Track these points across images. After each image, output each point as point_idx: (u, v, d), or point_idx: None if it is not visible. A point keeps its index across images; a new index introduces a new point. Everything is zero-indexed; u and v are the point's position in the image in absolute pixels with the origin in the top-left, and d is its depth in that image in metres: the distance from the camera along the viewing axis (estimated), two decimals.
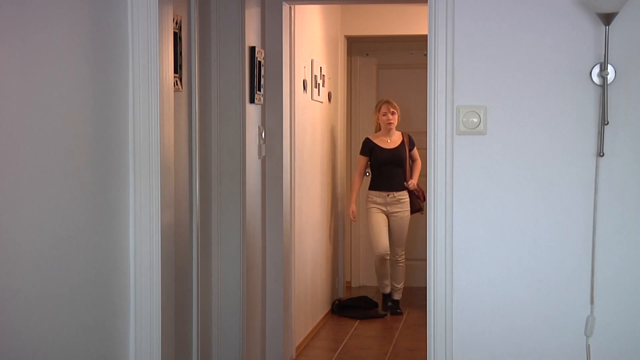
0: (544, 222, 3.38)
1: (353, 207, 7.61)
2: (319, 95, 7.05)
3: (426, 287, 3.48)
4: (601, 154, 3.30)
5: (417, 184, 7.57)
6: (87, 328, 3.26)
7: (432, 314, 3.45)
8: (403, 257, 7.70)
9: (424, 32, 3.70)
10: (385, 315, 7.52)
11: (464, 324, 3.43)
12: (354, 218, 7.68)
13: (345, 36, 8.32)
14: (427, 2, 3.42)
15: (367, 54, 8.80)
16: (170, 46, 3.97)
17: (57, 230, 3.03)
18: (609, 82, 3.28)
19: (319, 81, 7.06)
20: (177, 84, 4.18)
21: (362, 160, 7.64)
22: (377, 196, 7.50)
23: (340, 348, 6.52)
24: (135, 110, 3.53)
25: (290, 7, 5.83)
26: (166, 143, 3.87)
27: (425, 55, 3.50)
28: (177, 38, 4.13)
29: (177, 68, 4.16)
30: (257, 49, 5.16)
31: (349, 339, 6.74)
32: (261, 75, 5.28)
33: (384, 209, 7.50)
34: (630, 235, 3.33)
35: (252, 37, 5.13)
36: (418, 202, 7.55)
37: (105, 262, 3.40)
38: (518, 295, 3.40)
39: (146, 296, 3.56)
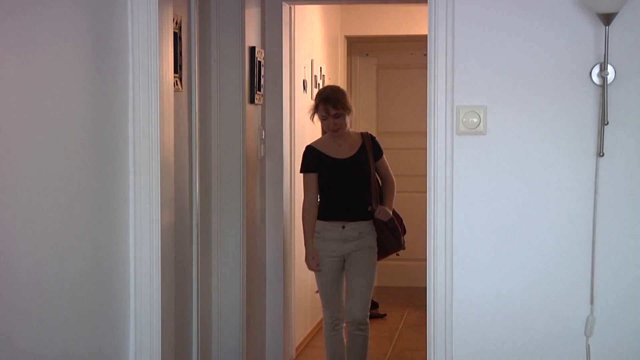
0: (543, 222, 3.38)
1: (315, 252, 4.98)
2: None
3: (426, 287, 3.47)
4: (601, 154, 3.30)
5: (394, 211, 5.10)
6: (87, 328, 3.26)
7: (432, 314, 3.45)
8: (367, 325, 5.00)
9: (424, 32, 3.70)
10: (385, 315, 7.51)
11: (464, 324, 3.43)
12: (318, 267, 4.97)
13: (345, 36, 8.32)
14: (427, 2, 3.42)
15: (367, 54, 8.80)
16: (170, 46, 3.97)
17: (57, 230, 3.03)
18: (609, 82, 3.27)
19: (319, 81, 7.06)
20: (177, 84, 4.18)
21: (309, 180, 5.00)
22: (328, 229, 4.94)
23: None
24: (135, 110, 3.53)
25: (290, 7, 5.83)
26: (166, 143, 3.87)
27: (425, 55, 3.50)
28: (177, 38, 4.13)
29: (177, 68, 4.16)
30: (257, 49, 5.16)
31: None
32: (261, 75, 5.28)
33: (339, 249, 4.95)
34: (630, 235, 3.33)
35: (252, 37, 5.13)
36: (393, 238, 5.04)
37: (106, 262, 3.40)
38: (518, 295, 3.40)
39: (146, 296, 3.56)
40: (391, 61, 8.74)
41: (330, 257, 4.96)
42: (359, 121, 8.83)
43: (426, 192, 3.45)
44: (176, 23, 4.12)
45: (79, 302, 3.19)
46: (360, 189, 4.96)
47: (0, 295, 2.70)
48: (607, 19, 3.19)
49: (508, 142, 3.38)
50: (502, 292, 3.41)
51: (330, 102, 4.93)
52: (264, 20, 5.49)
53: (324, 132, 5.42)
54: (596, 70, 3.29)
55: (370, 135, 5.10)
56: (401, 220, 5.16)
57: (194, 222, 4.49)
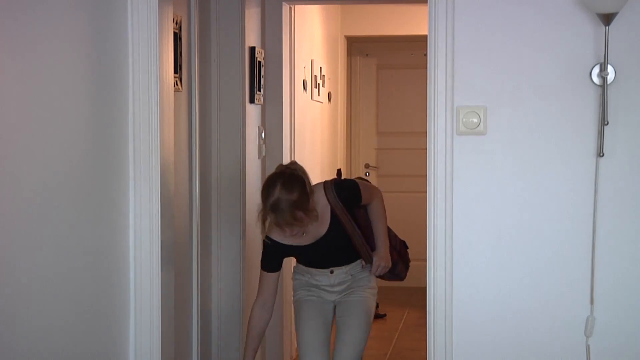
0: (543, 222, 3.38)
1: None
2: (319, 95, 7.05)
3: (426, 287, 3.47)
4: (601, 154, 3.30)
5: (395, 238, 4.21)
6: (87, 328, 3.26)
7: (432, 314, 3.45)
8: None
9: (424, 32, 3.70)
10: (385, 315, 7.51)
11: (464, 324, 3.43)
12: None
13: (345, 36, 8.32)
14: (427, 2, 3.42)
15: (367, 54, 8.80)
16: (170, 46, 3.97)
17: (57, 230, 3.03)
18: (608, 82, 3.27)
19: (319, 81, 7.06)
20: (177, 84, 4.18)
21: (267, 280, 3.95)
22: (313, 273, 4.05)
23: None
24: (135, 110, 3.53)
25: (290, 7, 5.83)
26: (166, 143, 3.87)
27: (425, 55, 3.50)
28: (177, 38, 4.12)
29: (177, 68, 4.16)
30: (257, 49, 5.16)
31: None
32: (261, 75, 5.28)
33: (327, 293, 4.07)
34: (630, 235, 3.33)
35: (252, 37, 5.13)
36: (393, 276, 4.20)
37: (105, 262, 3.40)
38: (518, 295, 3.40)
39: (146, 296, 3.56)
40: (391, 61, 8.75)
41: (314, 299, 4.04)
42: (359, 121, 8.85)
43: (426, 192, 3.45)
44: (176, 23, 4.12)
45: (78, 302, 3.19)
46: (344, 251, 4.01)
47: (0, 295, 2.70)
48: (607, 19, 3.19)
49: (508, 142, 3.38)
50: (502, 292, 3.41)
51: (282, 220, 3.68)
52: (264, 20, 5.49)
53: None
54: (596, 70, 3.29)
55: (334, 188, 3.90)
56: (405, 244, 4.30)
57: (194, 222, 4.49)
